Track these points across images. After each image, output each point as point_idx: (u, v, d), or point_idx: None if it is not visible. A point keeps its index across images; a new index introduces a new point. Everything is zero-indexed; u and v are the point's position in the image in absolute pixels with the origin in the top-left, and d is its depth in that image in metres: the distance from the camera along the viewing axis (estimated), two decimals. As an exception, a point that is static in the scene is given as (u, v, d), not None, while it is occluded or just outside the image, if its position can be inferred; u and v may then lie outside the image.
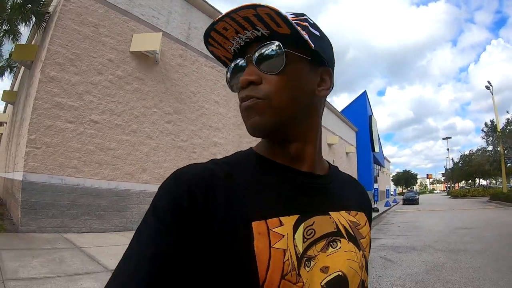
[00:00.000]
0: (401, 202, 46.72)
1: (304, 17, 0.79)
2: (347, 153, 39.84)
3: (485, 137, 47.05)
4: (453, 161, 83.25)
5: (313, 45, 0.72)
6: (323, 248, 0.72)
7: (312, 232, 0.72)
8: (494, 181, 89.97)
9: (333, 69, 0.83)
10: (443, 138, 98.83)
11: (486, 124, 47.27)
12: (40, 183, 9.17)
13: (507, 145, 38.76)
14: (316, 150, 0.82)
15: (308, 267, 0.69)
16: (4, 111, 31.14)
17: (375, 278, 7.41)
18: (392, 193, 59.77)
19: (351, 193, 0.92)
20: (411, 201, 44.81)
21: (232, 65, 0.78)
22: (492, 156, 46.02)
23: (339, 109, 42.77)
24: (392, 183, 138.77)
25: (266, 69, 0.72)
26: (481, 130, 49.96)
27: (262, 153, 0.81)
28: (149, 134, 12.40)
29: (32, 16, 11.81)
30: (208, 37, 0.77)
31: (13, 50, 16.62)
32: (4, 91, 23.06)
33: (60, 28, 9.87)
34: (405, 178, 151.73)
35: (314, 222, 0.73)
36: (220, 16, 0.70)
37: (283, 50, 0.71)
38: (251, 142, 15.99)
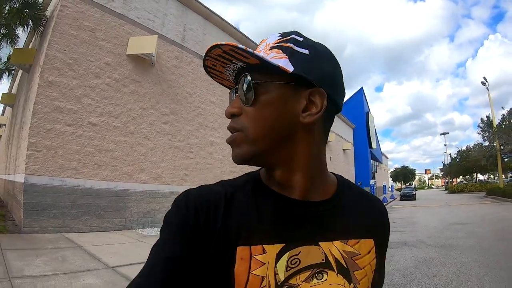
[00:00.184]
0: (399, 198, 46.35)
1: (291, 36, 0.78)
2: (344, 150, 39.86)
3: (481, 133, 47.01)
4: (450, 156, 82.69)
5: (291, 69, 0.71)
6: (307, 279, 0.73)
7: (297, 261, 0.73)
8: (492, 176, 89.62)
9: (332, 86, 0.78)
10: (441, 134, 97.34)
11: (482, 119, 47.13)
12: (41, 185, 9.38)
13: (503, 140, 38.80)
14: (307, 179, 0.79)
15: None
16: (3, 113, 31.37)
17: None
18: (389, 189, 59.48)
19: (359, 217, 0.86)
20: (408, 197, 44.52)
21: (233, 93, 0.82)
22: (488, 152, 45.91)
23: None
24: (390, 179, 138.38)
25: (243, 101, 0.75)
26: (477, 126, 49.86)
27: (262, 177, 0.82)
28: (146, 135, 12.60)
29: (30, 21, 12.04)
30: (208, 72, 0.80)
31: (11, 53, 16.88)
32: (3, 93, 23.10)
33: (57, 33, 10.06)
34: (403, 174, 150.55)
35: (300, 252, 0.73)
36: (204, 56, 0.74)
37: (251, 82, 0.73)
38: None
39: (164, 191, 13.05)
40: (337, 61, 0.82)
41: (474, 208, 25.14)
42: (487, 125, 45.25)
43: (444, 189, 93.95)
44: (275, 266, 0.70)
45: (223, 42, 0.69)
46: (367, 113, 50.52)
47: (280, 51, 0.75)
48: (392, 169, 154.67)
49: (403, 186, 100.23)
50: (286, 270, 0.71)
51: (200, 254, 0.67)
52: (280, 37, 0.78)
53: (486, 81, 42.35)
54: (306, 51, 0.76)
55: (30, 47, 15.00)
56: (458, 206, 27.59)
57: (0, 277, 5.24)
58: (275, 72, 0.72)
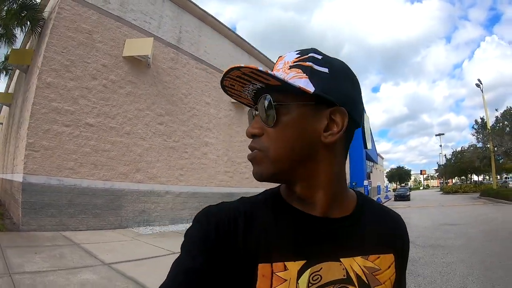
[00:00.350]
0: (393, 199, 46.23)
1: (310, 54, 0.78)
2: None
3: (476, 134, 47.10)
4: (445, 157, 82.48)
5: (312, 90, 0.72)
6: None
7: (318, 277, 0.73)
8: (487, 177, 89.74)
9: (352, 105, 0.78)
10: (436, 135, 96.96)
11: (476, 121, 47.19)
12: (39, 184, 9.57)
13: (496, 142, 38.96)
14: (329, 196, 0.79)
15: None
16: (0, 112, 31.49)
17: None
18: (384, 189, 59.35)
19: (378, 234, 0.87)
20: (402, 197, 44.54)
21: (253, 113, 0.82)
22: (482, 153, 46.00)
23: None
24: (386, 180, 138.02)
25: (265, 122, 0.75)
26: (471, 127, 49.75)
27: (283, 194, 0.83)
28: (142, 136, 12.79)
29: (27, 22, 12.24)
30: (226, 91, 0.80)
31: (8, 53, 17.06)
32: (0, 93, 23.30)
33: (55, 36, 10.24)
34: (399, 174, 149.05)
35: (321, 268, 0.74)
36: (222, 76, 0.74)
37: (273, 104, 0.73)
38: (242, 141, 16.38)
39: (159, 191, 13.22)
40: (355, 77, 0.83)
41: (467, 209, 25.18)
42: (481, 127, 45.28)
43: (439, 189, 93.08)
44: (297, 283, 0.71)
45: (243, 65, 0.69)
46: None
47: (300, 70, 0.75)
48: (388, 170, 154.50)
49: (398, 187, 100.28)
50: (308, 286, 0.72)
51: (220, 269, 0.68)
52: (299, 55, 0.78)
53: (481, 83, 42.45)
54: (326, 70, 0.76)
55: (27, 47, 15.17)
56: (451, 207, 27.61)
57: (1, 273, 5.43)
58: (295, 92, 0.72)
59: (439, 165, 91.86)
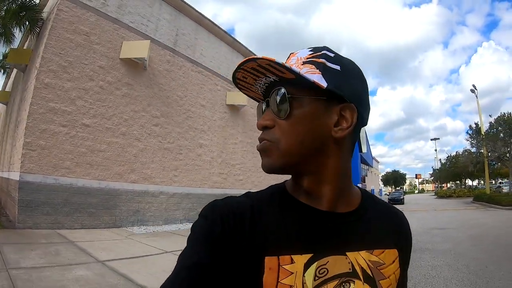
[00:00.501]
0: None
1: (323, 51, 0.80)
2: None
3: (470, 139, 47.15)
4: (440, 161, 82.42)
5: (325, 85, 0.73)
6: None
7: (325, 271, 0.74)
8: (482, 182, 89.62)
9: (361, 102, 0.81)
10: (432, 139, 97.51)
11: (470, 126, 47.20)
12: (36, 182, 9.73)
13: (490, 147, 39.12)
14: (336, 190, 0.80)
15: None
16: (-5, 110, 31.58)
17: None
18: (378, 193, 59.23)
19: (382, 229, 0.88)
20: (396, 201, 44.19)
21: (262, 105, 0.83)
22: (475, 158, 46.16)
23: None
24: (381, 183, 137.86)
25: (277, 114, 0.76)
26: (465, 133, 49.71)
27: (288, 189, 0.84)
28: (137, 137, 12.95)
29: (26, 22, 12.45)
30: (236, 83, 0.82)
31: (6, 52, 17.27)
32: (-3, 91, 23.44)
33: (53, 37, 10.40)
34: (394, 178, 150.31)
35: (328, 262, 0.75)
36: (235, 68, 0.75)
37: (287, 96, 0.74)
38: (236, 143, 16.63)
39: (153, 191, 13.39)
40: (364, 77, 0.85)
41: (458, 213, 25.29)
42: (475, 132, 45.36)
43: (434, 194, 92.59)
44: (303, 276, 0.72)
45: (260, 56, 0.70)
46: None
47: (313, 66, 0.76)
48: (383, 173, 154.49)
49: (393, 191, 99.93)
50: (314, 280, 0.72)
51: (226, 263, 0.69)
52: (312, 52, 0.80)
53: (475, 89, 42.68)
54: (338, 67, 0.78)
55: (25, 47, 15.37)
56: (443, 211, 27.69)
57: None
58: (308, 87, 0.74)
59: (434, 170, 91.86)
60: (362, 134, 49.35)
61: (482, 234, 13.34)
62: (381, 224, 0.89)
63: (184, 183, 15.01)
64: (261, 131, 0.79)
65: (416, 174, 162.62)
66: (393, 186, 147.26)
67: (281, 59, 0.75)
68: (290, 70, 0.71)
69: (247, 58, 0.72)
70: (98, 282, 5.53)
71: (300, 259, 0.73)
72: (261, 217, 0.76)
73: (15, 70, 17.17)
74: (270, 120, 0.78)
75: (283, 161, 0.76)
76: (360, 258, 0.79)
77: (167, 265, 6.93)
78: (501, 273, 7.18)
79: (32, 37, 12.92)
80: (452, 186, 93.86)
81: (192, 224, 0.77)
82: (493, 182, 72.41)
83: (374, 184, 77.80)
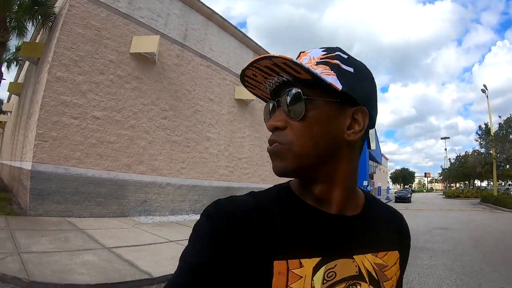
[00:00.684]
0: (394, 200, 45.47)
1: (336, 53, 0.78)
2: None
3: (479, 140, 46.49)
4: (450, 161, 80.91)
5: (340, 87, 0.72)
6: None
7: (333, 274, 0.73)
8: (491, 183, 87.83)
9: (371, 105, 0.80)
10: (442, 138, 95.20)
11: (480, 127, 46.45)
12: (47, 172, 10.10)
13: (499, 148, 38.74)
14: (345, 193, 0.80)
15: None
16: (8, 101, 32.23)
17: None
18: (385, 190, 58.50)
19: (385, 231, 0.88)
20: (403, 199, 44.60)
21: (270, 105, 0.80)
22: (484, 159, 45.54)
23: None
24: (390, 181, 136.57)
25: (290, 115, 0.73)
26: (475, 133, 48.84)
27: (295, 190, 0.81)
28: (146, 129, 13.24)
29: (39, 16, 12.88)
30: (244, 81, 0.78)
31: (19, 45, 17.69)
32: (10, 83, 23.81)
33: (65, 32, 10.71)
34: (403, 176, 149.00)
35: (336, 265, 0.74)
36: (246, 65, 0.72)
37: (303, 97, 0.72)
38: (244, 137, 16.97)
39: (161, 182, 13.69)
40: (374, 79, 0.84)
41: (463, 214, 25.03)
42: (485, 133, 44.72)
43: (442, 193, 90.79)
44: (312, 279, 0.70)
45: (277, 55, 0.68)
46: None
47: (328, 67, 0.75)
48: (392, 171, 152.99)
49: (401, 188, 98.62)
50: (323, 283, 0.71)
51: (231, 266, 0.67)
52: (325, 53, 0.78)
53: (486, 89, 42.04)
54: (351, 69, 0.77)
55: (37, 40, 15.79)
56: (448, 211, 27.77)
57: (11, 252, 5.98)
58: (323, 88, 0.72)
59: (443, 169, 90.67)
60: (371, 131, 49.05)
61: (484, 236, 13.29)
62: (384, 226, 0.89)
63: (191, 175, 15.28)
64: (271, 132, 0.76)
65: (425, 173, 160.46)
66: (401, 184, 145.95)
67: (292, 56, 0.73)
68: (307, 71, 0.69)
69: (262, 56, 0.69)
70: (104, 267, 5.86)
71: (309, 263, 0.71)
72: (268, 218, 0.74)
73: (27, 62, 17.61)
74: (282, 121, 0.74)
75: (296, 165, 0.74)
76: (366, 261, 0.79)
77: (171, 253, 7.26)
78: (495, 275, 7.25)
79: (44, 30, 13.28)
80: (461, 186, 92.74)
81: (195, 222, 0.74)
82: (502, 184, 71.54)
83: (383, 182, 76.84)
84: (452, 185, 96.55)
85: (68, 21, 10.83)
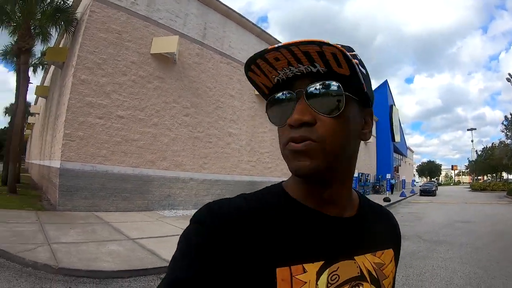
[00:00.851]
0: (419, 193, 44.33)
1: (354, 52, 0.76)
2: (365, 143, 37.83)
3: (505, 131, 45.15)
4: (477, 153, 79.24)
5: (366, 88, 0.71)
6: None
7: (336, 277, 0.71)
8: None
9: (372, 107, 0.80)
10: (468, 129, 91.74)
11: (506, 117, 45.19)
12: (75, 170, 10.68)
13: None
14: (348, 194, 0.79)
15: None
16: (35, 103, 33.29)
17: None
18: (409, 183, 57.23)
19: (380, 231, 0.88)
20: (427, 192, 43.07)
21: (278, 96, 0.71)
22: (510, 150, 44.44)
23: None
24: (417, 174, 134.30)
25: (321, 110, 0.66)
26: (501, 124, 47.29)
27: (291, 193, 0.77)
28: (168, 127, 13.71)
29: (62, 22, 13.57)
30: (252, 63, 0.68)
31: (44, 50, 18.50)
32: (37, 86, 24.79)
33: (88, 37, 11.23)
34: (429, 169, 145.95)
35: (338, 268, 0.72)
36: (276, 46, 0.63)
37: (344, 93, 0.67)
38: (265, 132, 17.43)
39: (184, 177, 14.13)
40: None
41: (488, 207, 24.85)
42: (511, 123, 43.84)
43: (469, 186, 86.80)
44: (316, 284, 0.68)
45: (329, 42, 0.61)
46: (391, 106, 49.05)
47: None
48: (419, 163, 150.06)
49: (426, 181, 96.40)
50: (327, 287, 0.69)
51: (228, 276, 0.62)
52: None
53: (511, 78, 41.25)
54: (365, 71, 0.75)
55: (61, 45, 16.52)
56: (473, 205, 27.18)
57: (42, 242, 6.53)
58: (351, 86, 0.68)
59: (469, 161, 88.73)
60: (395, 123, 48.12)
61: (505, 230, 13.03)
62: (379, 225, 0.89)
63: (214, 170, 15.64)
64: (292, 127, 0.68)
65: (452, 166, 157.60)
66: (428, 177, 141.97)
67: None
68: (353, 67, 0.65)
69: (310, 40, 0.61)
70: (128, 255, 6.34)
71: (312, 268, 0.68)
72: (266, 223, 0.69)
73: (52, 66, 18.38)
74: (311, 115, 0.67)
75: (327, 164, 0.68)
76: (366, 261, 0.78)
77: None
78: (511, 270, 7.08)
79: (67, 35, 13.87)
80: (489, 179, 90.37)
81: (184, 229, 0.69)
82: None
83: (408, 175, 75.11)
84: (479, 178, 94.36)
85: (89, 26, 11.33)
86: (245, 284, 0.63)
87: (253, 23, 19.09)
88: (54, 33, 15.30)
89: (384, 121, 45.92)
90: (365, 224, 0.82)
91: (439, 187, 68.47)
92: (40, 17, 14.13)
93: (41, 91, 22.88)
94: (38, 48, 19.70)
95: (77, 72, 10.93)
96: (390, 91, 51.29)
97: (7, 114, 48.98)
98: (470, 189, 70.54)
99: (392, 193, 37.01)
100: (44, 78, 27.26)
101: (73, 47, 12.36)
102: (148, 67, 12.98)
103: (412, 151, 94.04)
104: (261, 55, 0.65)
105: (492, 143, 67.11)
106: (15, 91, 17.78)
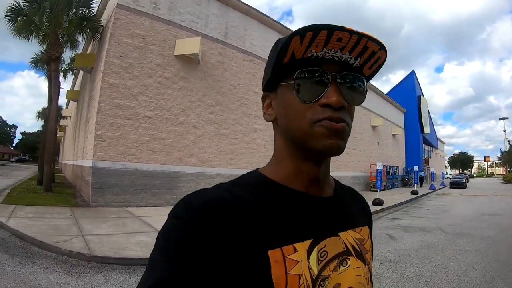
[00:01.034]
0: (449, 186, 43.25)
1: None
2: (393, 135, 38.27)
3: None
4: (509, 143, 77.35)
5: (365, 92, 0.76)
6: (335, 268, 0.74)
7: (325, 254, 0.73)
8: None
9: None
10: (500, 119, 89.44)
11: None
12: (106, 168, 11.33)
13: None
14: (329, 172, 0.83)
15: (322, 286, 0.70)
16: (67, 107, 34.47)
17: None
18: (439, 176, 55.99)
19: (355, 208, 0.92)
20: (458, 184, 41.88)
21: (317, 73, 0.69)
22: None
23: (386, 90, 40.86)
24: (448, 166, 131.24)
25: (349, 98, 0.71)
26: None
27: (271, 177, 0.78)
28: (194, 125, 14.19)
29: (88, 30, 14.39)
30: (311, 31, 0.64)
31: (73, 56, 19.65)
32: (68, 90, 25.92)
33: (113, 43, 11.84)
34: (461, 160, 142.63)
35: (326, 245, 0.74)
36: (354, 29, 0.65)
37: (366, 89, 0.75)
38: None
39: (210, 173, 14.60)
40: None
41: None
42: None
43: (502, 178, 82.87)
44: (308, 262, 0.69)
45: (386, 48, 0.69)
46: (419, 96, 47.99)
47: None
48: (451, 155, 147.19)
49: (457, 173, 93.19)
50: (318, 264, 0.71)
51: (215, 269, 0.60)
52: None
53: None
54: None
55: (89, 51, 17.43)
56: (503, 197, 26.44)
57: (76, 234, 7.22)
58: (363, 85, 0.74)
59: (502, 152, 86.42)
60: (424, 114, 47.30)
61: None
62: (354, 205, 0.93)
63: (240, 165, 15.96)
64: (330, 108, 0.69)
65: (484, 157, 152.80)
66: (460, 169, 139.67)
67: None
68: (375, 73, 0.75)
69: (378, 40, 0.68)
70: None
71: (302, 246, 0.70)
72: (248, 208, 0.69)
73: (81, 72, 19.39)
74: (345, 101, 0.70)
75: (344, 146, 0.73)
76: (349, 237, 0.81)
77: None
78: None
79: (94, 42, 14.64)
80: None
81: (162, 227, 0.67)
82: None
83: (439, 167, 72.98)
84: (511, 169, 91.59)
85: (115, 32, 11.93)
86: (238, 273, 0.62)
87: (274, 20, 19.26)
88: (81, 39, 16.18)
89: (413, 113, 45.17)
90: (343, 203, 0.86)
91: (470, 179, 66.51)
92: (67, 25, 14.85)
93: (72, 95, 24.01)
94: (67, 54, 20.49)
95: (105, 77, 11.55)
96: (418, 82, 50.32)
97: (40, 118, 50.45)
98: (502, 181, 67.78)
99: (421, 185, 36.71)
100: (74, 82, 28.25)
101: (100, 53, 13.03)
102: (172, 68, 13.47)
103: (443, 143, 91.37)
104: (331, 28, 0.64)
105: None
106: (47, 97, 18.55)
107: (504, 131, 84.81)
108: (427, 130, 48.94)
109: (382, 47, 0.69)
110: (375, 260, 6.69)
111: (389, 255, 7.58)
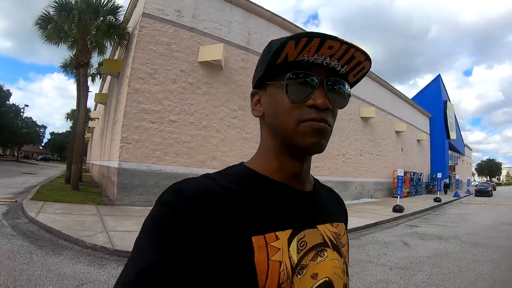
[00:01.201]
0: (474, 194, 42.27)
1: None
2: (418, 140, 37.40)
3: None
4: None
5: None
6: (313, 258, 0.77)
7: (304, 243, 0.76)
8: None
9: None
10: None
11: None
12: (131, 169, 11.80)
13: None
14: (309, 170, 0.88)
15: (300, 275, 0.73)
16: (95, 109, 35.51)
17: (380, 255, 8.02)
18: (465, 183, 54.79)
19: (333, 205, 0.97)
20: (483, 192, 41.20)
21: (308, 76, 0.74)
22: None
23: (414, 93, 40.14)
24: (476, 173, 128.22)
25: (333, 102, 0.75)
26: None
27: (257, 169, 0.82)
28: (217, 129, 14.54)
29: (115, 37, 15.03)
30: (306, 37, 0.69)
31: (101, 61, 20.62)
32: (96, 94, 26.94)
33: (139, 50, 12.35)
34: (489, 168, 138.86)
35: (305, 235, 0.76)
36: (344, 40, 0.70)
37: (349, 94, 0.79)
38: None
39: (233, 176, 14.81)
40: None
41: None
42: None
43: None
44: (289, 250, 0.72)
45: (370, 59, 0.76)
46: (445, 101, 46.82)
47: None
48: (479, 162, 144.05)
49: (485, 181, 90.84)
50: (297, 252, 0.73)
51: (203, 255, 0.63)
52: None
53: None
54: None
55: (116, 56, 18.19)
56: None
57: (101, 230, 7.76)
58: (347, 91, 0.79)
59: None
60: (451, 119, 46.20)
61: None
62: (331, 201, 0.98)
63: (263, 168, 16.12)
64: (316, 109, 0.73)
65: None
66: (487, 177, 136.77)
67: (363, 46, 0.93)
68: (356, 82, 0.82)
69: (364, 51, 0.73)
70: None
71: (283, 235, 0.73)
72: (234, 196, 0.72)
73: (108, 76, 20.07)
74: (329, 103, 0.74)
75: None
76: (327, 230, 0.85)
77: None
78: None
79: (121, 48, 15.28)
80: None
81: (150, 212, 0.69)
82: None
83: (466, 174, 70.27)
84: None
85: (140, 40, 12.43)
86: (223, 258, 0.64)
87: (296, 25, 19.40)
88: (108, 46, 16.85)
89: (438, 118, 44.32)
90: (322, 198, 0.91)
91: (498, 188, 64.94)
92: (95, 32, 15.47)
93: (100, 98, 24.87)
94: (95, 59, 21.12)
95: (131, 82, 12.05)
96: (444, 86, 49.45)
97: (68, 119, 51.78)
98: (532, 190, 64.40)
99: (445, 193, 36.25)
100: (102, 86, 29.25)
101: (127, 59, 13.57)
102: (196, 74, 13.87)
103: (471, 149, 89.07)
104: (324, 37, 0.68)
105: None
106: (76, 99, 19.40)
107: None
108: (453, 136, 47.81)
109: (367, 58, 0.75)
110: (384, 266, 7.14)
111: (400, 261, 7.59)
